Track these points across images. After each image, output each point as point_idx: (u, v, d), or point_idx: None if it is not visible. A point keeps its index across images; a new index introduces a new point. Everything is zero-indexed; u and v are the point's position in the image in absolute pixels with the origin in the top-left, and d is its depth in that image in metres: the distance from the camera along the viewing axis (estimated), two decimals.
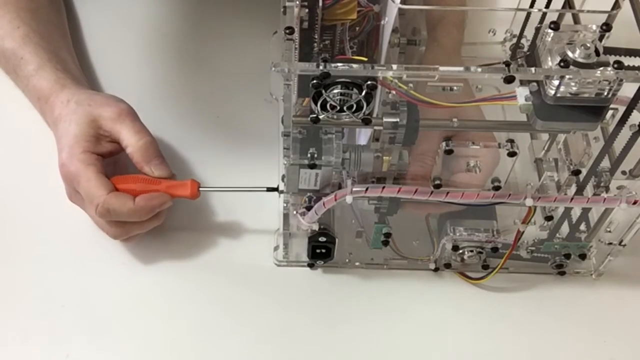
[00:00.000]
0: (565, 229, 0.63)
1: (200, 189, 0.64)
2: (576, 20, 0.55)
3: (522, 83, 0.50)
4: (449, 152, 0.55)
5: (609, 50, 0.51)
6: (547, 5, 0.52)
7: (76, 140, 0.63)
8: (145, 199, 0.61)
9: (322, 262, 0.65)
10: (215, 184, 0.66)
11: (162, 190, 0.63)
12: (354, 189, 0.56)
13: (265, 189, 0.63)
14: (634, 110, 0.51)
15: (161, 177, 0.63)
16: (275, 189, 0.62)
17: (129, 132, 0.63)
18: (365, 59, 0.52)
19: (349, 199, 0.56)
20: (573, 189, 0.59)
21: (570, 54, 0.48)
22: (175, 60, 0.79)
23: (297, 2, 0.50)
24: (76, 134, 0.63)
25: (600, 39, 0.50)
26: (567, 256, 0.64)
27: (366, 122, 0.51)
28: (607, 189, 0.57)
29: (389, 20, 0.53)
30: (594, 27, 0.51)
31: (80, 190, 0.62)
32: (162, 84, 0.77)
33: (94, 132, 0.63)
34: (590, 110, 0.50)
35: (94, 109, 0.64)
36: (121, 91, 0.68)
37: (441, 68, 0.48)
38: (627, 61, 0.49)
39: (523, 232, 0.60)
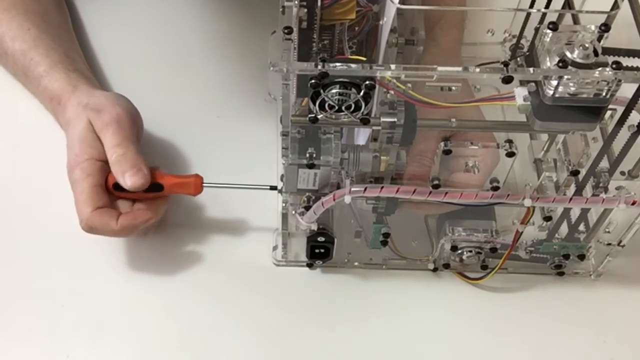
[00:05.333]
0: (564, 229, 0.63)
1: (204, 184, 0.64)
2: (575, 20, 0.55)
3: (522, 83, 0.50)
4: (447, 152, 0.55)
5: (608, 51, 0.51)
6: (547, 6, 0.52)
7: (80, 147, 0.63)
8: (128, 219, 0.61)
9: (321, 262, 0.65)
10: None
11: (166, 186, 0.63)
12: (352, 189, 0.56)
13: (268, 187, 0.63)
14: (633, 111, 0.51)
15: (133, 189, 0.61)
16: (277, 188, 0.62)
17: (107, 146, 0.63)
18: (363, 59, 0.52)
19: (347, 198, 0.56)
20: (572, 189, 0.59)
21: (568, 54, 0.48)
22: (175, 60, 0.79)
23: (296, 2, 0.50)
24: (80, 140, 0.63)
25: (599, 39, 0.50)
26: (566, 257, 0.64)
27: (364, 122, 0.51)
28: (605, 190, 0.57)
29: (387, 20, 0.53)
30: (593, 27, 0.50)
31: (74, 199, 0.62)
32: (162, 83, 0.77)
33: (94, 136, 0.63)
34: (589, 110, 0.50)
35: (90, 114, 0.64)
36: (121, 91, 0.68)
37: (439, 68, 0.48)
38: (626, 62, 0.49)
39: (522, 232, 0.60)
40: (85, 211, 0.60)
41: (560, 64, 0.48)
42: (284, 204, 0.61)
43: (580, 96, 0.49)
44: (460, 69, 0.49)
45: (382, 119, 0.52)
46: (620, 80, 0.48)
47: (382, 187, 0.55)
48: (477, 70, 0.49)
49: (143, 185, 0.62)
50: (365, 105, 0.50)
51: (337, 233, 0.62)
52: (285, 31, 0.49)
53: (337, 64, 0.48)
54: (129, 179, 0.61)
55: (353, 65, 0.48)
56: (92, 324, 0.62)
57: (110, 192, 0.63)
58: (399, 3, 0.51)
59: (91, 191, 0.61)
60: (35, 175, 0.70)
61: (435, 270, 0.66)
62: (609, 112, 0.53)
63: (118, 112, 0.64)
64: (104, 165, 0.63)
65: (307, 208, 0.58)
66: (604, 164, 0.56)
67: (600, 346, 0.63)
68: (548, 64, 0.49)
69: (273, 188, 0.62)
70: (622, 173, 0.56)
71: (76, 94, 0.66)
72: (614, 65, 0.47)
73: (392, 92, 0.50)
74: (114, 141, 0.62)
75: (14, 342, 0.61)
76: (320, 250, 0.63)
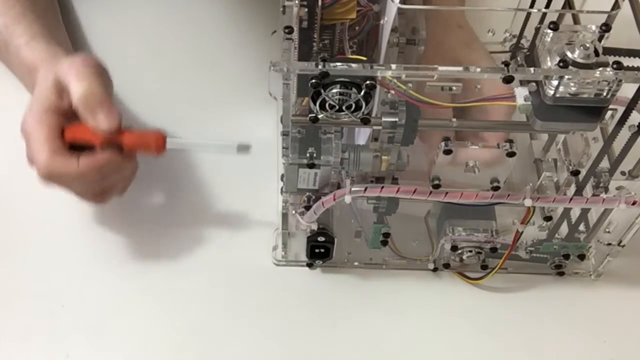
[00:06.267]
0: (564, 229, 0.63)
1: (168, 140, 0.59)
2: (576, 20, 0.55)
3: (522, 83, 0.50)
4: (447, 152, 0.55)
5: (608, 51, 0.51)
6: (547, 6, 0.52)
7: (39, 97, 0.59)
8: (91, 159, 0.56)
9: (321, 262, 0.65)
10: (215, 183, 0.66)
11: (125, 141, 0.58)
12: (352, 189, 0.56)
13: (235, 146, 0.59)
14: (633, 111, 0.51)
15: (106, 130, 0.57)
16: (246, 147, 0.59)
17: (73, 81, 0.57)
18: (364, 59, 0.52)
19: (347, 198, 0.56)
20: (572, 189, 0.59)
21: (569, 54, 0.48)
22: (175, 59, 0.79)
23: (297, 2, 0.50)
24: (40, 91, 0.59)
25: (600, 39, 0.50)
26: (566, 257, 0.64)
27: (365, 121, 0.51)
28: (606, 190, 0.57)
29: (388, 19, 0.53)
30: (594, 27, 0.50)
31: (28, 151, 0.57)
32: (162, 83, 0.77)
33: (56, 88, 0.59)
34: (589, 110, 0.50)
35: (56, 65, 0.60)
36: (121, 91, 0.68)
37: (440, 68, 0.48)
38: (627, 62, 0.49)
39: (522, 232, 0.60)
40: (41, 157, 0.55)
41: (561, 64, 0.48)
42: (284, 204, 0.61)
43: (580, 96, 0.49)
44: (460, 68, 0.49)
45: (383, 119, 0.52)
46: (620, 80, 0.48)
47: (382, 187, 0.56)
48: (477, 70, 0.49)
49: (114, 127, 0.57)
50: (366, 105, 0.50)
51: (337, 233, 0.62)
52: (286, 31, 0.49)
53: (338, 64, 0.48)
54: (99, 121, 0.56)
55: (354, 65, 0.48)
56: (91, 323, 0.62)
57: None
58: (400, 3, 0.51)
59: (47, 136, 0.56)
60: (34, 174, 0.70)
61: (435, 270, 0.66)
62: (609, 112, 0.53)
63: (82, 56, 0.60)
64: (60, 118, 0.58)
65: (307, 208, 0.58)
66: (604, 164, 0.56)
67: (600, 346, 0.63)
68: (549, 63, 0.49)
69: (241, 148, 0.59)
70: (623, 173, 0.56)
71: (54, 61, 0.62)
72: (614, 65, 0.47)
73: (392, 91, 0.50)
74: (79, 76, 0.57)
75: (13, 342, 0.61)
76: (320, 250, 0.63)
